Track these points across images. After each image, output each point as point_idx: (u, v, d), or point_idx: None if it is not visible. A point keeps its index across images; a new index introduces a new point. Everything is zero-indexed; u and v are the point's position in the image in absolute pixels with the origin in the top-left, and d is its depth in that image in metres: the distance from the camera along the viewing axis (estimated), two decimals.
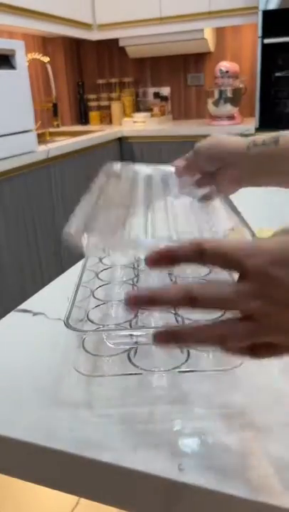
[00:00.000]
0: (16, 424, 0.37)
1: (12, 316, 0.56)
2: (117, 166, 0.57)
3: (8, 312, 0.57)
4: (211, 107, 2.60)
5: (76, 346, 0.41)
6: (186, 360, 0.40)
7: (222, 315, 0.32)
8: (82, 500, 0.68)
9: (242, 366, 0.40)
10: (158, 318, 0.51)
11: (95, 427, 0.37)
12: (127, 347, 0.40)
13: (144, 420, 0.37)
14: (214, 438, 0.35)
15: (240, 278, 0.29)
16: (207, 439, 0.35)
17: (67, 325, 0.39)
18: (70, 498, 0.68)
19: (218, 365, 0.42)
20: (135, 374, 0.40)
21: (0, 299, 1.72)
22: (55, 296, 0.44)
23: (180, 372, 0.40)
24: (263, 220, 0.90)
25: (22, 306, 0.58)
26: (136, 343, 0.39)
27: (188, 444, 0.35)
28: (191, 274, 0.60)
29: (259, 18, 2.23)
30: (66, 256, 2.13)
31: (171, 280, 0.56)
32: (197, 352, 0.41)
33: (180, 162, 0.58)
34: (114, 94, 3.05)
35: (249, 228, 0.47)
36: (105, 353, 0.40)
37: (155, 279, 0.58)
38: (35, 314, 0.56)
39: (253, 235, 0.45)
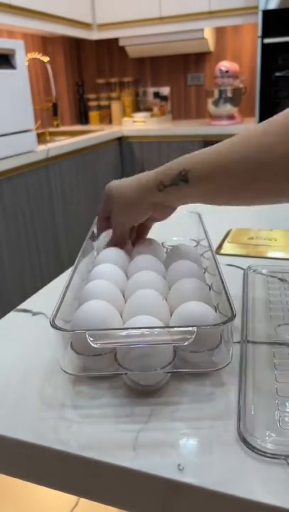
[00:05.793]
0: (16, 423, 0.37)
1: (12, 316, 0.56)
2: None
3: (8, 312, 0.57)
4: (210, 107, 2.61)
5: (63, 346, 0.41)
6: (173, 360, 0.39)
7: None
8: (82, 500, 0.68)
9: (229, 365, 0.40)
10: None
11: (92, 426, 0.37)
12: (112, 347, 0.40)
13: (143, 420, 0.37)
14: (214, 437, 0.35)
15: None
16: (206, 439, 0.35)
17: (52, 324, 0.39)
18: (69, 498, 0.68)
19: (206, 365, 0.42)
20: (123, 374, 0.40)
21: (0, 298, 1.72)
22: (55, 296, 0.44)
23: (167, 372, 0.40)
24: (262, 220, 0.90)
25: (22, 306, 0.58)
26: (122, 343, 0.39)
27: (188, 443, 0.35)
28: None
29: (259, 18, 2.23)
30: (66, 256, 2.13)
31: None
32: (184, 352, 0.41)
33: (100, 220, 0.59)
34: (114, 94, 3.05)
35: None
36: (93, 352, 0.40)
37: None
38: (34, 314, 0.56)
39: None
